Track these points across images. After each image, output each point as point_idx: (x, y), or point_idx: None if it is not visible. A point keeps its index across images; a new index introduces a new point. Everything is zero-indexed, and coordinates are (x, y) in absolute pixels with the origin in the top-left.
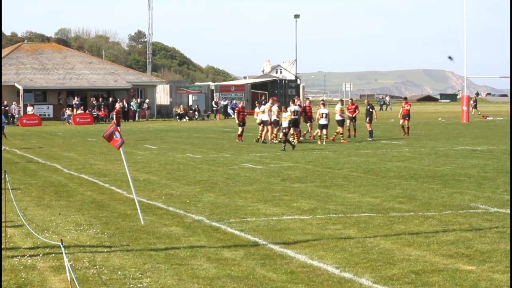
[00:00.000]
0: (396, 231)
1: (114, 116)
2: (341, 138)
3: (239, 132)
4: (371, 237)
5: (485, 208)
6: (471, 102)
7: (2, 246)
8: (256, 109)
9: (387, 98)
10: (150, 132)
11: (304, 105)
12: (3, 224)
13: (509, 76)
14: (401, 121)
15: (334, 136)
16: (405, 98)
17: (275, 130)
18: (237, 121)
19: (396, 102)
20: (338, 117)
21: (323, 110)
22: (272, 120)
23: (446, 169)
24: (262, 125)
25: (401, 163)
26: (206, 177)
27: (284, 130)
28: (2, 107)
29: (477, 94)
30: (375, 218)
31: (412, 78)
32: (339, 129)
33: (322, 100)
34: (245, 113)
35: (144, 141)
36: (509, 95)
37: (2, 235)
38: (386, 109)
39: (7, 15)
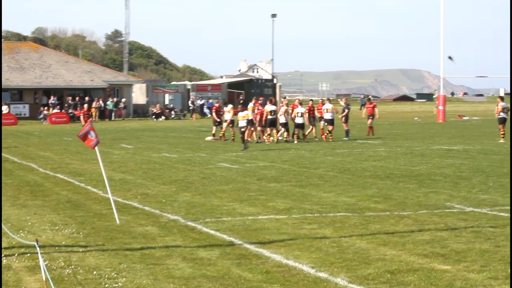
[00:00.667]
0: (371, 231)
1: (82, 117)
2: (330, 137)
3: (213, 132)
4: (346, 236)
5: (460, 207)
6: (437, 102)
7: None
8: (225, 108)
9: (370, 98)
10: (126, 131)
11: (292, 105)
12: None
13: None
14: (369, 121)
15: (326, 135)
16: (369, 99)
17: (269, 130)
18: (217, 120)
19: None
20: (328, 116)
21: (299, 109)
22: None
23: (422, 169)
24: (230, 125)
25: (377, 162)
26: (182, 177)
27: (241, 129)
28: None
29: (452, 94)
30: (351, 217)
31: (389, 77)
32: (330, 127)
33: (315, 99)
34: (222, 113)
35: (120, 141)
36: (485, 94)
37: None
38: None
39: None
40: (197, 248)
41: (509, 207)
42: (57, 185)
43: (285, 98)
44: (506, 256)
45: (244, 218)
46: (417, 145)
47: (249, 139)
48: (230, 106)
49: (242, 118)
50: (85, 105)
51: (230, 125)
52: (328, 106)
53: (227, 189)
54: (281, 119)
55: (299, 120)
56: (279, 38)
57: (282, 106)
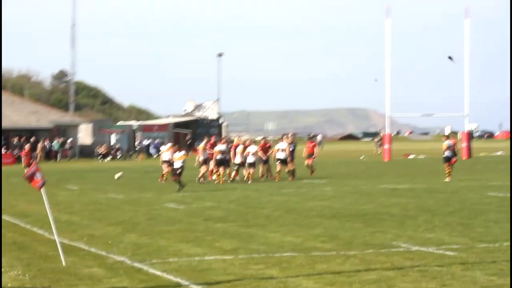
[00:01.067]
0: (318, 271)
1: (23, 159)
2: (277, 176)
3: (163, 172)
4: (293, 276)
5: (406, 246)
6: (376, 140)
7: None
8: (162, 148)
9: (319, 137)
10: (72, 172)
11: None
12: None
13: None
14: (306, 161)
15: (289, 174)
16: (309, 138)
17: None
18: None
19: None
20: (281, 156)
21: (251, 148)
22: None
23: (368, 208)
24: (165, 164)
25: (323, 202)
26: (128, 217)
27: (177, 171)
28: None
29: (398, 133)
30: (297, 257)
31: (336, 116)
32: (285, 167)
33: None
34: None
35: (66, 181)
36: (430, 133)
37: None
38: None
39: None
40: None
41: (455, 246)
42: (2, 227)
43: (239, 137)
44: None
45: (190, 258)
46: (363, 184)
47: (209, 178)
48: (168, 145)
49: (178, 159)
50: (26, 146)
51: (168, 165)
52: (282, 145)
53: (173, 230)
54: (237, 159)
55: (251, 159)
56: (225, 78)
57: (239, 144)
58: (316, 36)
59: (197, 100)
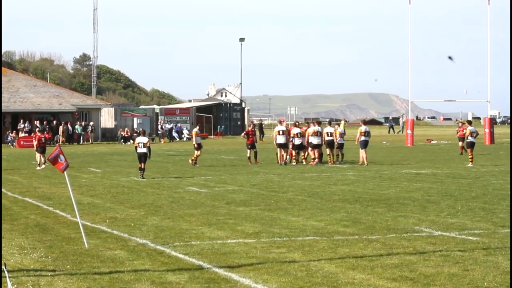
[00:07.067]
0: (340, 255)
1: (35, 143)
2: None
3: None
4: (315, 260)
5: (429, 231)
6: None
7: None
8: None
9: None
10: (95, 155)
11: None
12: None
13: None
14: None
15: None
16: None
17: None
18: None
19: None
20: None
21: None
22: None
23: (391, 193)
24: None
25: (345, 186)
26: (150, 201)
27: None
28: None
29: (417, 117)
30: (320, 241)
31: (357, 101)
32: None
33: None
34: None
35: (88, 164)
36: (453, 118)
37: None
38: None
39: None
40: (166, 272)
41: (477, 231)
42: (25, 209)
43: (312, 122)
44: (475, 280)
45: (213, 242)
46: (385, 169)
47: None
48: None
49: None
50: (37, 130)
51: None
52: (330, 129)
53: (196, 213)
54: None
55: (341, 141)
56: (247, 62)
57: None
58: (339, 21)
59: (219, 85)
